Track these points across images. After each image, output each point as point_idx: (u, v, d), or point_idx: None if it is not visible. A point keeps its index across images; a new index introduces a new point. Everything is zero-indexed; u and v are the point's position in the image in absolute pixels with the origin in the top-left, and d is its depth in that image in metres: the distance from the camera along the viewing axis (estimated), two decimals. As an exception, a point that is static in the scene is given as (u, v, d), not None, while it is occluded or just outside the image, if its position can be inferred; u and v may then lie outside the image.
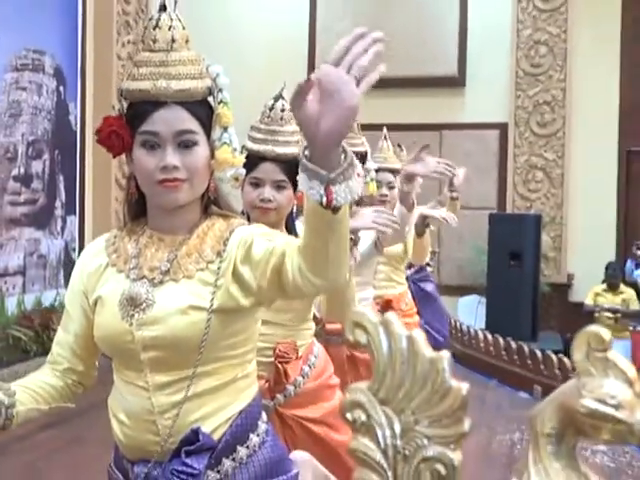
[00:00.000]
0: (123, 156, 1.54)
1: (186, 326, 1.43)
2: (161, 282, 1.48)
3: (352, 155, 1.25)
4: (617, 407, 0.64)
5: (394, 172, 3.89)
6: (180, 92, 1.45)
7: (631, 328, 7.37)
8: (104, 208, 7.49)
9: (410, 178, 2.99)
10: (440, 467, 0.76)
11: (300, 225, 2.16)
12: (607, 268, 7.77)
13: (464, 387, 0.75)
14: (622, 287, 7.64)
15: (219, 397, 1.47)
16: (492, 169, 9.12)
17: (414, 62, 8.88)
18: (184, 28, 1.51)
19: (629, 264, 7.79)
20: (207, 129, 1.51)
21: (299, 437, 2.18)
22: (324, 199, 1.21)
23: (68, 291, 1.61)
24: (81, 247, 7.11)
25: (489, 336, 7.01)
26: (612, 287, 7.58)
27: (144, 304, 1.46)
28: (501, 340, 6.82)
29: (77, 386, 1.62)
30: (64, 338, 1.60)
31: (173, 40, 1.49)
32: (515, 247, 7.77)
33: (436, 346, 0.83)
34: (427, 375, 0.78)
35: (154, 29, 1.49)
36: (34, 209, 7.00)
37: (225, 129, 1.52)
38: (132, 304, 1.47)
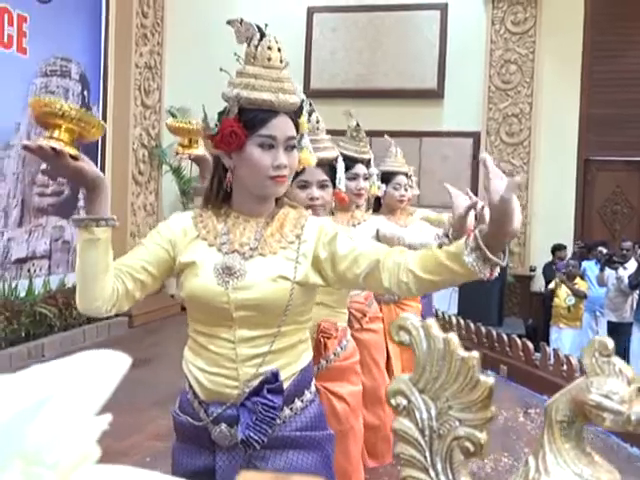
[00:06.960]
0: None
1: (275, 292, 1.55)
2: (251, 256, 1.59)
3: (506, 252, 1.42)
4: (618, 401, 0.72)
5: (406, 175, 3.98)
6: (291, 105, 1.57)
7: (583, 318, 7.46)
8: (121, 201, 7.51)
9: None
10: (469, 445, 0.83)
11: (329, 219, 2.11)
12: (567, 265, 7.83)
13: (490, 380, 0.83)
14: (577, 279, 7.73)
15: (288, 355, 1.60)
16: (466, 172, 9.21)
17: (400, 77, 8.93)
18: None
19: (592, 264, 7.81)
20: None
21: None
22: (486, 277, 1.38)
23: (153, 233, 1.64)
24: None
25: (461, 321, 7.03)
26: (570, 279, 7.66)
27: (238, 273, 1.56)
28: (472, 325, 6.88)
29: (115, 296, 1.56)
30: (130, 260, 1.60)
31: (281, 61, 1.58)
32: (485, 242, 7.80)
33: None
34: (459, 370, 0.85)
35: (268, 49, 1.57)
36: (59, 200, 7.01)
37: (303, 136, 1.65)
38: (228, 272, 1.56)
